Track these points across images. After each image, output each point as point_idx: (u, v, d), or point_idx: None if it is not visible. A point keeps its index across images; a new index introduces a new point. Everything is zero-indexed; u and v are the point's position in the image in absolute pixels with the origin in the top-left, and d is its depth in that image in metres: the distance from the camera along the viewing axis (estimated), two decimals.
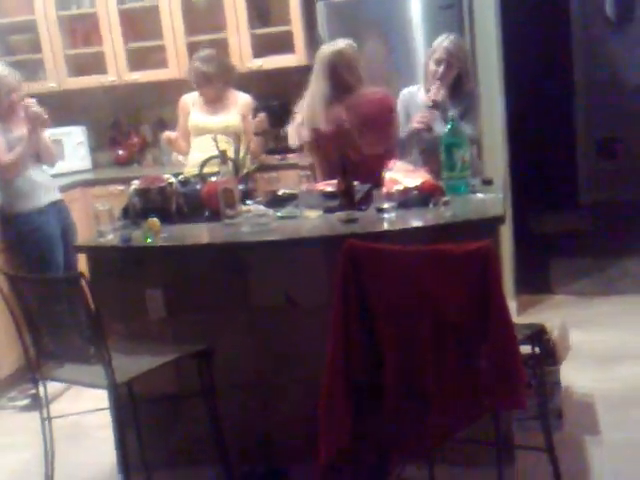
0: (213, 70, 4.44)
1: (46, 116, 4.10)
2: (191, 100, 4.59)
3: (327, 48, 3.73)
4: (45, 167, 4.36)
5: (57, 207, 4.32)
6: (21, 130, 4.10)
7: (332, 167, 3.48)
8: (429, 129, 3.68)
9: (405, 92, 3.91)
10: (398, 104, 3.86)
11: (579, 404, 3.50)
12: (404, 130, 3.78)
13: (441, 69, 3.69)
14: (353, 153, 3.56)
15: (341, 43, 3.71)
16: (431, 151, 3.60)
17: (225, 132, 4.24)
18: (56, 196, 4.34)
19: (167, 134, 4.69)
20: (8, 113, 4.12)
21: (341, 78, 3.65)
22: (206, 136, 4.31)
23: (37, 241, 4.18)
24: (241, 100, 4.58)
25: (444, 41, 3.73)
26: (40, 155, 4.25)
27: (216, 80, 4.47)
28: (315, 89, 3.69)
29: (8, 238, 4.26)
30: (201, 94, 4.56)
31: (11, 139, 4.09)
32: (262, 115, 4.45)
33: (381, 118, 3.70)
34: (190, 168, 4.16)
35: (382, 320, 2.45)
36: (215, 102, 4.56)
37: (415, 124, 3.71)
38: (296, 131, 3.81)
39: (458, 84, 3.76)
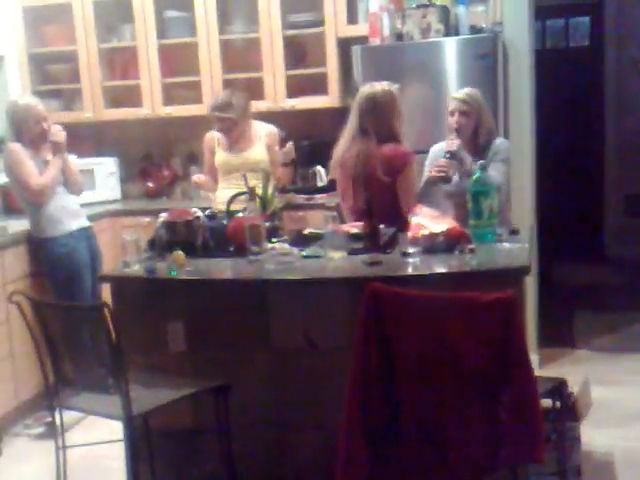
0: (235, 116, 4.34)
1: (63, 140, 4.22)
2: (216, 137, 4.52)
3: (366, 88, 3.78)
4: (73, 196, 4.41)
5: (86, 233, 4.38)
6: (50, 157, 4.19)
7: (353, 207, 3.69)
8: (446, 179, 3.69)
9: (435, 147, 3.95)
10: (428, 158, 3.91)
11: (598, 462, 3.43)
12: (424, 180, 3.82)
13: (454, 119, 3.74)
14: (368, 192, 3.58)
15: (379, 85, 3.74)
16: (457, 199, 3.62)
17: (252, 168, 4.25)
18: (85, 223, 4.40)
19: (196, 177, 4.66)
20: (40, 141, 4.19)
21: (372, 119, 3.68)
22: (233, 174, 4.36)
23: (67, 266, 4.21)
24: (265, 131, 4.51)
25: (457, 93, 3.82)
26: (67, 183, 4.31)
27: (240, 122, 4.39)
28: (348, 125, 3.77)
29: (37, 263, 4.32)
30: (227, 138, 4.48)
31: (42, 166, 4.16)
32: (290, 145, 4.37)
33: (396, 173, 3.67)
34: (218, 204, 4.18)
35: (402, 365, 2.44)
36: (240, 137, 4.49)
37: (431, 173, 3.73)
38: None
39: (482, 140, 3.79)
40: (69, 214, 4.28)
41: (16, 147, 4.14)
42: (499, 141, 3.86)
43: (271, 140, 4.50)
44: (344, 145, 3.77)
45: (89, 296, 4.20)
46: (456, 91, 3.91)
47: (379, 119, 3.69)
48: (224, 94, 4.44)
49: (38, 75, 5.47)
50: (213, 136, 4.52)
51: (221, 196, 4.33)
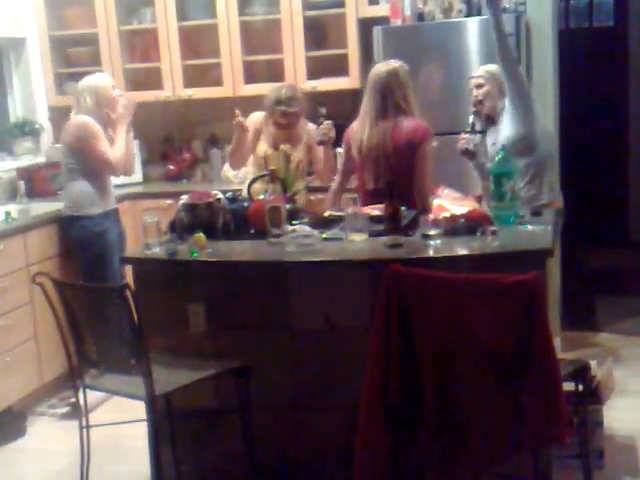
0: (300, 110, 4.15)
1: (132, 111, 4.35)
2: (260, 122, 4.25)
3: (381, 66, 3.78)
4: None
5: (116, 215, 4.46)
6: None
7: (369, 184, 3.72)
8: (472, 155, 3.75)
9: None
10: None
11: (621, 445, 3.42)
12: None
13: (473, 94, 3.82)
14: (388, 174, 3.61)
15: (394, 63, 3.75)
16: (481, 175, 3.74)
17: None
18: (114, 204, 4.46)
19: (241, 119, 4.19)
20: (110, 115, 4.25)
21: (392, 96, 3.68)
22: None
23: (100, 245, 4.25)
24: (307, 130, 4.26)
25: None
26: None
27: (302, 117, 4.22)
28: (366, 105, 3.74)
29: (66, 242, 4.36)
30: (284, 134, 4.20)
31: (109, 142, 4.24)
32: (327, 123, 4.02)
33: (416, 147, 3.71)
34: (239, 186, 4.13)
35: (422, 347, 2.43)
36: (288, 131, 4.23)
37: (458, 146, 3.81)
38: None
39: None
40: (107, 194, 4.35)
41: (90, 120, 4.18)
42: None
43: (312, 139, 4.21)
44: (367, 127, 3.73)
45: (117, 276, 4.24)
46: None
47: (401, 94, 3.69)
48: (287, 88, 4.18)
49: (59, 58, 5.49)
50: (262, 121, 4.25)
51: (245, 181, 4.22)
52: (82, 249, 4.29)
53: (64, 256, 4.40)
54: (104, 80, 4.31)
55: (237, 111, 4.14)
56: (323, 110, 4.19)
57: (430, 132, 3.74)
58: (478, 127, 3.79)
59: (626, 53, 6.73)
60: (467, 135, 3.77)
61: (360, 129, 3.77)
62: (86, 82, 4.29)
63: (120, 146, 4.23)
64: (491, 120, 3.81)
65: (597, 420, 3.20)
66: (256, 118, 4.30)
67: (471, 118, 3.79)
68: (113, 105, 4.24)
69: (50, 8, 5.37)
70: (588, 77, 6.65)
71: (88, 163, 4.19)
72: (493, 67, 3.81)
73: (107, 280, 4.10)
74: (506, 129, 3.69)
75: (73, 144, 4.21)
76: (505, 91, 3.72)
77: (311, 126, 4.28)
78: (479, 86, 3.81)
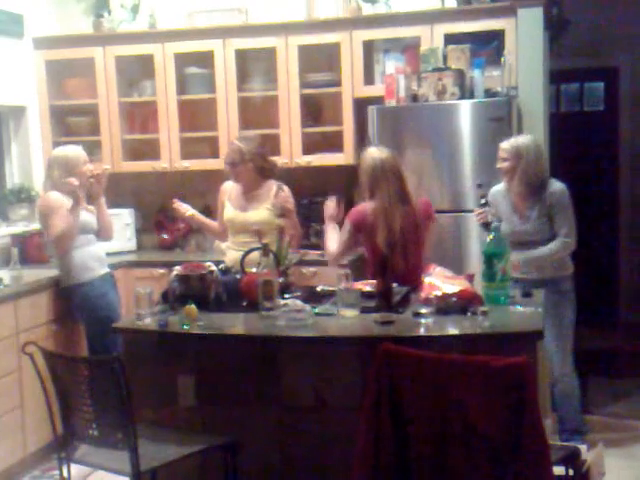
0: (250, 149, 4.25)
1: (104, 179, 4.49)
2: (228, 190, 4.42)
3: (382, 152, 3.83)
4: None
5: (112, 279, 4.54)
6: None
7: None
8: (488, 225, 3.80)
9: (493, 189, 4.17)
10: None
11: None
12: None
13: (499, 165, 4.03)
14: (405, 257, 3.69)
15: (385, 150, 3.85)
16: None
17: (250, 229, 4.17)
18: (108, 269, 4.53)
19: (177, 204, 4.53)
20: (84, 187, 4.35)
21: (404, 178, 3.80)
22: (239, 234, 4.27)
23: (103, 307, 4.31)
24: (274, 191, 4.31)
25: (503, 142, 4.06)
26: (101, 229, 4.48)
27: (250, 160, 4.25)
28: (385, 190, 3.74)
29: (68, 311, 4.39)
30: (235, 177, 4.33)
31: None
32: (282, 194, 4.21)
33: (432, 221, 3.91)
34: (229, 264, 4.11)
35: (413, 426, 2.42)
36: (250, 191, 4.34)
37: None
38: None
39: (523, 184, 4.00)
40: (99, 260, 4.42)
41: (50, 196, 4.29)
42: (555, 187, 4.03)
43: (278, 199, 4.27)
44: (395, 211, 3.72)
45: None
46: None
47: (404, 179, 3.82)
48: (254, 134, 4.55)
49: (59, 126, 5.57)
50: (225, 189, 4.46)
51: (229, 255, 4.28)
52: (87, 314, 4.35)
53: (54, 324, 4.38)
54: (75, 153, 4.40)
55: (174, 199, 4.56)
56: (282, 188, 4.29)
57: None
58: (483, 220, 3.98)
59: (616, 137, 6.86)
60: (481, 209, 3.99)
61: (383, 214, 3.72)
62: (56, 153, 4.43)
63: (66, 219, 4.22)
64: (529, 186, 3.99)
65: None
66: (224, 189, 4.49)
67: (483, 200, 4.04)
68: (82, 179, 4.31)
69: (51, 78, 5.47)
70: (579, 160, 6.76)
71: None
72: (522, 141, 4.01)
73: (117, 342, 4.08)
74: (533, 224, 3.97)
75: (39, 219, 4.41)
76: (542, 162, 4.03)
77: (279, 186, 4.33)
78: (504, 159, 4.01)
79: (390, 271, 3.30)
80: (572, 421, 4.18)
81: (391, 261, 3.63)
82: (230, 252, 4.29)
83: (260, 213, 4.28)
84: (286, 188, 4.31)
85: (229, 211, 4.40)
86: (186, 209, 4.53)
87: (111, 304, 4.38)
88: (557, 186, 4.03)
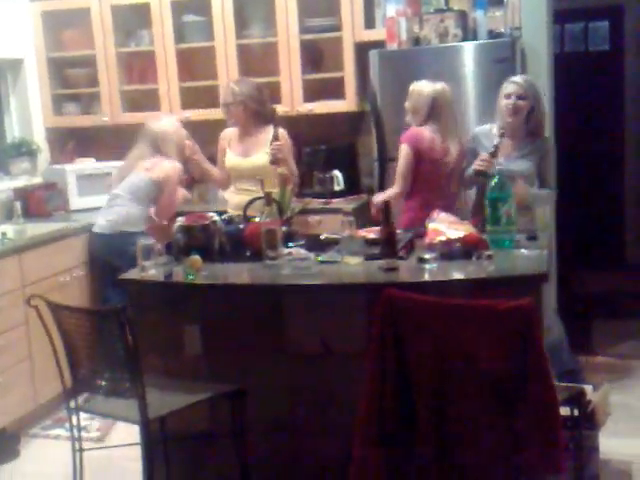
0: (243, 90, 4.32)
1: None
2: (228, 137, 4.48)
3: (437, 85, 3.95)
4: None
5: None
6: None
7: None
8: (485, 175, 3.66)
9: (478, 129, 4.00)
10: (471, 140, 3.99)
11: (616, 471, 3.41)
12: (469, 169, 3.86)
13: (510, 101, 3.76)
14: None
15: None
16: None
17: (256, 173, 4.19)
18: None
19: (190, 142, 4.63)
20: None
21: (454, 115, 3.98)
22: (243, 179, 4.33)
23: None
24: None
25: (515, 77, 3.87)
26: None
27: (242, 102, 4.31)
28: (445, 120, 3.95)
29: (117, 257, 4.32)
30: (228, 118, 4.41)
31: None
32: (277, 144, 4.18)
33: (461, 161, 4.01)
34: (231, 210, 4.15)
35: (417, 371, 2.43)
36: (248, 136, 4.40)
37: (475, 166, 3.74)
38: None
39: (531, 125, 3.84)
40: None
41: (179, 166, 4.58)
42: (548, 133, 3.99)
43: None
44: (452, 139, 3.97)
45: None
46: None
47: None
48: (249, 78, 4.57)
49: (57, 79, 5.52)
50: (225, 135, 4.51)
51: (231, 201, 4.33)
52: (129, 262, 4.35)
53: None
54: (178, 128, 4.65)
55: (187, 140, 4.62)
56: (278, 129, 4.26)
57: None
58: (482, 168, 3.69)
59: (622, 77, 6.77)
60: (487, 156, 3.67)
61: (441, 141, 3.94)
62: (164, 126, 4.62)
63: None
64: (531, 134, 3.84)
65: (593, 445, 3.18)
66: (223, 136, 4.53)
67: (496, 140, 3.70)
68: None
69: (48, 29, 5.40)
70: (584, 101, 6.68)
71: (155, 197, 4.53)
72: (530, 78, 3.90)
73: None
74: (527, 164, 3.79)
75: (160, 185, 4.54)
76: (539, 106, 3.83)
77: (280, 131, 4.30)
78: (521, 97, 3.75)
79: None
80: (567, 363, 4.10)
81: (448, 187, 3.99)
82: (232, 198, 4.33)
83: (260, 157, 4.31)
84: (284, 135, 4.31)
85: (230, 157, 4.44)
86: (195, 151, 4.60)
87: None
88: (548, 132, 3.97)
